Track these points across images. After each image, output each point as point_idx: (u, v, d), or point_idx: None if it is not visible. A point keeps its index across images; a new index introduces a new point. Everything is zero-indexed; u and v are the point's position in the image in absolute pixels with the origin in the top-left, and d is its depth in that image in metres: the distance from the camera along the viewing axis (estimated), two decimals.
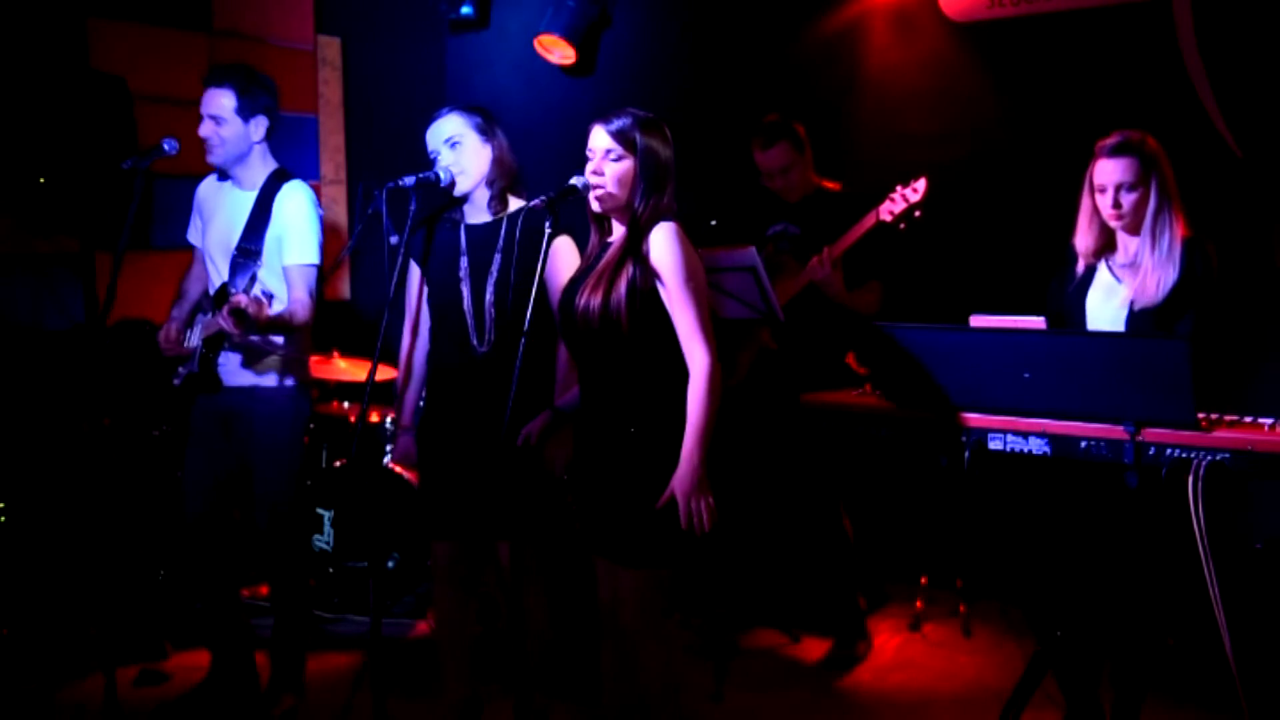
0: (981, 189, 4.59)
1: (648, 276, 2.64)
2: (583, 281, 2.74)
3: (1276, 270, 4.01)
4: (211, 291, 3.54)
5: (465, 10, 5.81)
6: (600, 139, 2.70)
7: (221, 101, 3.41)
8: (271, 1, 5.33)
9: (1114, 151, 2.98)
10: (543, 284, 2.73)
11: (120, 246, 3.19)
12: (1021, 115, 4.57)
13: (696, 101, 5.27)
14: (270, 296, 3.21)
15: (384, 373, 4.50)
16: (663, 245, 2.64)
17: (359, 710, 3.02)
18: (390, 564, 4.57)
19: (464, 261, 3.16)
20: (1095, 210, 3.06)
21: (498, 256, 3.12)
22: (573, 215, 2.93)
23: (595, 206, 2.75)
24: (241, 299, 3.16)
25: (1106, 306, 3.06)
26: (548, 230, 2.71)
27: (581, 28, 5.44)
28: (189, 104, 4.88)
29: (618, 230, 2.80)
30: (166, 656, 4.06)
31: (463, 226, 3.20)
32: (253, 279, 3.44)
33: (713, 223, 3.92)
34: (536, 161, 4.04)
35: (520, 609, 3.12)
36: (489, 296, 3.11)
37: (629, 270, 2.64)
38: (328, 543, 4.50)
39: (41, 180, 4.17)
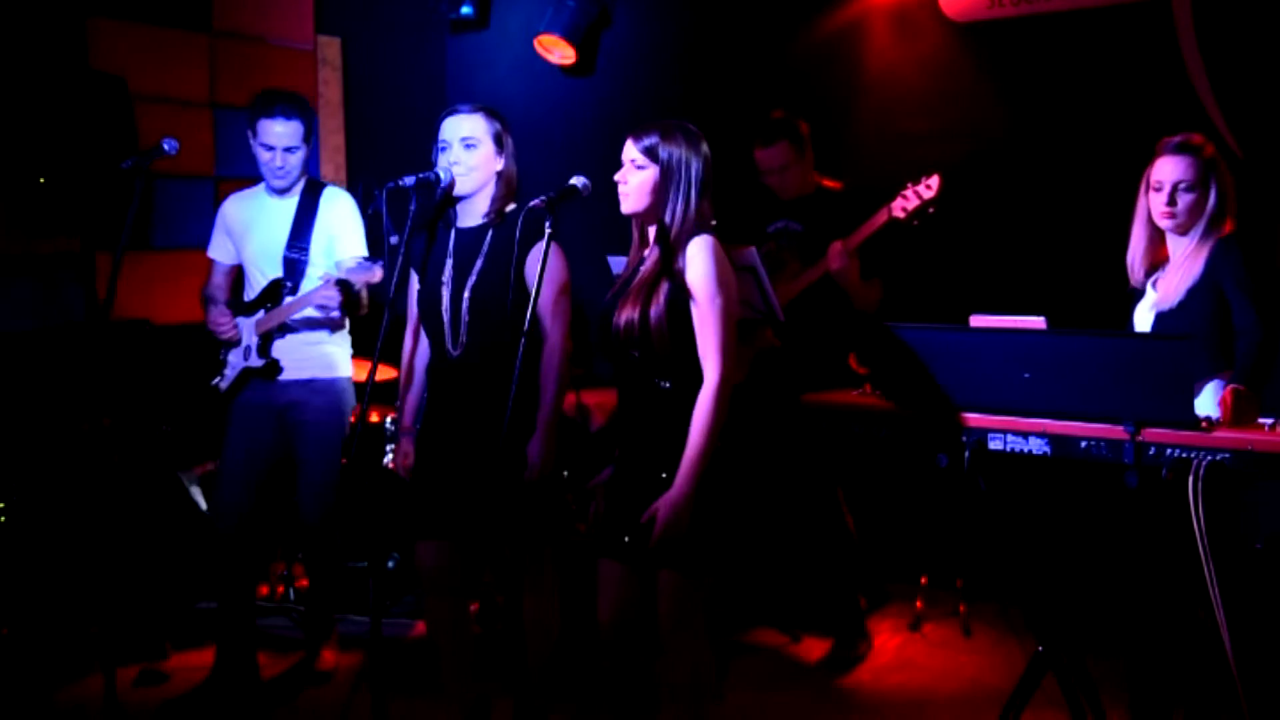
0: (981, 189, 4.58)
1: (682, 291, 2.68)
2: (621, 295, 2.76)
3: (1277, 270, 4.01)
4: (251, 296, 3.77)
5: (465, 10, 5.82)
6: (628, 150, 2.77)
7: (296, 132, 3.68)
8: (271, 1, 5.32)
9: (1177, 149, 2.97)
10: (533, 286, 2.73)
11: (120, 246, 3.19)
12: (1022, 115, 4.57)
13: (696, 101, 5.26)
14: (378, 261, 3.36)
15: (384, 372, 4.50)
16: (697, 261, 2.68)
17: (359, 710, 3.02)
18: (390, 564, 4.57)
19: (449, 264, 3.16)
20: (1149, 215, 3.04)
21: (479, 261, 3.11)
22: (571, 218, 2.92)
23: (622, 210, 2.80)
24: (343, 267, 3.44)
25: (1142, 311, 3.06)
26: (548, 230, 2.71)
27: (581, 28, 5.44)
28: (189, 104, 4.94)
29: (650, 238, 2.82)
30: (166, 656, 4.06)
31: (454, 230, 3.20)
32: (303, 278, 3.73)
33: (713, 222, 3.92)
34: (536, 161, 4.04)
35: (519, 610, 3.12)
36: (465, 301, 3.10)
37: (665, 285, 2.69)
38: None
39: (41, 180, 4.17)
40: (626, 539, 2.73)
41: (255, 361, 3.73)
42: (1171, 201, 2.97)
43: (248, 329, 3.76)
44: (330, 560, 3.88)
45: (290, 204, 3.77)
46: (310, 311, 3.69)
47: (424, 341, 3.31)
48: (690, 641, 2.74)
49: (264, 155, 3.68)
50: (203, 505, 4.56)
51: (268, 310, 3.72)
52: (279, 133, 3.65)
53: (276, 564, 4.60)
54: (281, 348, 3.74)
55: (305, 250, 3.73)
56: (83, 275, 4.45)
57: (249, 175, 3.95)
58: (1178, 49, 4.21)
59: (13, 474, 4.18)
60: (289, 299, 3.70)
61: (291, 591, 4.59)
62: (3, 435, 4.21)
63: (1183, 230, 3.01)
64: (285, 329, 3.73)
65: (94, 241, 4.41)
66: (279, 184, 3.73)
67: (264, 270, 3.76)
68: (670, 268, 2.70)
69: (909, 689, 3.84)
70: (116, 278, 3.17)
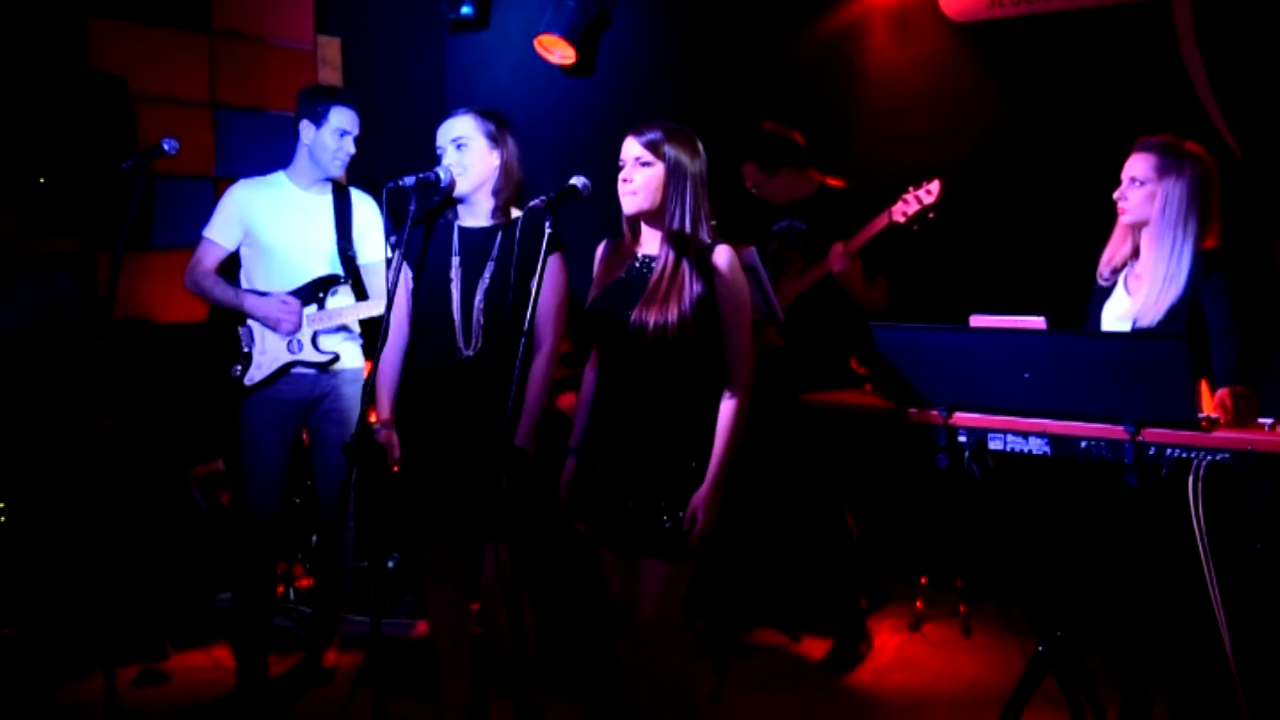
0: (981, 189, 4.59)
1: (711, 295, 2.73)
2: (638, 295, 2.77)
3: (1276, 270, 4.01)
4: (278, 286, 3.72)
5: (465, 10, 5.81)
6: (631, 148, 2.78)
7: (359, 122, 3.75)
8: (271, 1, 5.32)
9: (1139, 146, 3.01)
10: (537, 289, 2.72)
11: (120, 246, 3.19)
12: (1021, 115, 4.57)
13: (697, 101, 5.26)
14: None
15: None
16: (728, 271, 2.75)
17: (359, 710, 3.02)
18: (390, 564, 4.57)
19: (455, 263, 3.14)
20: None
21: (491, 264, 3.10)
22: (571, 218, 2.92)
23: (626, 209, 2.82)
24: None
25: (1113, 318, 3.05)
26: (548, 230, 2.71)
27: (581, 28, 5.44)
28: (189, 104, 4.94)
29: (650, 237, 2.84)
30: (166, 656, 4.07)
31: (456, 228, 3.19)
32: (350, 276, 3.80)
33: (712, 222, 3.93)
34: (536, 162, 4.02)
35: (519, 609, 3.12)
36: (478, 302, 3.09)
37: (693, 288, 2.72)
38: None
39: (41, 180, 4.17)
40: (665, 526, 2.74)
41: (315, 355, 3.74)
42: (1122, 195, 3.01)
43: (305, 322, 3.73)
44: (339, 557, 3.90)
45: (324, 200, 3.80)
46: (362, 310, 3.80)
47: (403, 336, 3.24)
48: (673, 637, 2.77)
49: (332, 143, 3.70)
50: (203, 505, 4.56)
51: (320, 304, 3.73)
52: (352, 120, 3.71)
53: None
54: (328, 341, 3.77)
55: (352, 248, 3.79)
56: (83, 275, 4.45)
57: (249, 175, 3.94)
58: (1178, 49, 4.22)
59: (13, 474, 4.18)
60: (340, 294, 3.77)
61: (291, 591, 4.59)
62: (3, 435, 4.21)
63: (1140, 224, 3.01)
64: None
65: (94, 241, 4.41)
66: (338, 173, 3.77)
67: (306, 264, 3.74)
68: (697, 270, 2.73)
69: (909, 689, 3.84)
70: (116, 278, 3.17)
